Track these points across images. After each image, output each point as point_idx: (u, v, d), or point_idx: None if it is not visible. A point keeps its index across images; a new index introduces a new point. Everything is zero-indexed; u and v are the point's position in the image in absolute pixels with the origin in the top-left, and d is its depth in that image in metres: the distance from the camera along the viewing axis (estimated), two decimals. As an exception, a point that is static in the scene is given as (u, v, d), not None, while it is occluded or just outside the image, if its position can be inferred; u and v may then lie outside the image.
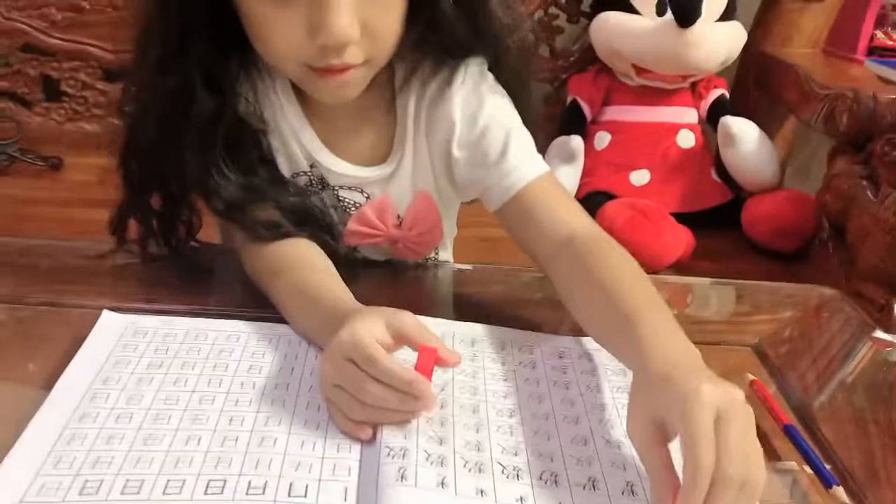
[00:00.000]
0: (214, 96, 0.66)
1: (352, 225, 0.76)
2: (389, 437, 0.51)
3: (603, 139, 1.50)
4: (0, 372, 0.60)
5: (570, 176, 1.44)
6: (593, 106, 1.51)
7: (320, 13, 0.59)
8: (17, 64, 1.56)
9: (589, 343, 0.66)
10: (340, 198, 0.76)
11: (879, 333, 0.74)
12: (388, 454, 0.49)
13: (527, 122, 0.73)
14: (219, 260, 0.76)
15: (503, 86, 0.73)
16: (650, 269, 1.23)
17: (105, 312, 0.64)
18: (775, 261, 1.35)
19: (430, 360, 0.52)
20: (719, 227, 1.40)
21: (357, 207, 0.76)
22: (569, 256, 0.65)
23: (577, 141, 1.44)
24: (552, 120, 1.57)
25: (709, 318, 0.78)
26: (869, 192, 1.18)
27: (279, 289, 0.66)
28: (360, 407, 0.51)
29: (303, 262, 0.68)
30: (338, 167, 0.74)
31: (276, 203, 0.70)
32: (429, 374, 0.51)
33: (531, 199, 0.69)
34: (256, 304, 0.67)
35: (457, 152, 0.72)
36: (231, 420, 0.53)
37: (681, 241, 1.28)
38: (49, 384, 0.56)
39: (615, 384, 0.61)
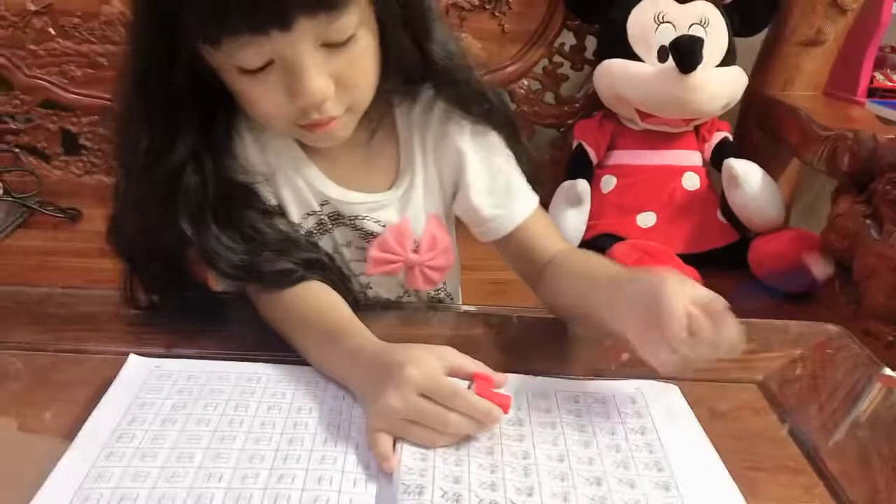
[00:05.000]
0: (200, 168, 0.69)
1: (373, 252, 0.79)
2: (406, 474, 0.52)
3: (609, 182, 1.52)
4: (22, 418, 0.62)
5: (577, 219, 1.46)
6: (599, 150, 1.53)
7: (294, 79, 0.64)
8: (38, 119, 1.60)
9: (604, 386, 0.67)
10: (357, 227, 0.79)
11: (886, 371, 0.75)
12: (405, 490, 0.51)
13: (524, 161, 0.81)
14: (233, 305, 0.77)
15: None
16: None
17: (131, 356, 0.67)
18: (783, 300, 1.36)
19: (488, 384, 0.58)
20: (726, 268, 1.41)
21: (374, 236, 0.79)
22: (552, 266, 0.76)
23: (583, 185, 1.47)
24: (558, 164, 1.60)
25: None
26: (873, 231, 1.19)
27: (298, 330, 0.68)
28: (440, 437, 0.56)
29: (319, 303, 0.70)
30: (349, 197, 0.77)
31: (285, 256, 0.72)
32: (494, 397, 0.57)
33: (526, 233, 0.79)
34: (274, 347, 0.69)
35: (472, 179, 0.78)
36: (251, 458, 0.55)
37: (688, 281, 1.29)
38: (70, 429, 0.57)
39: (630, 426, 0.62)
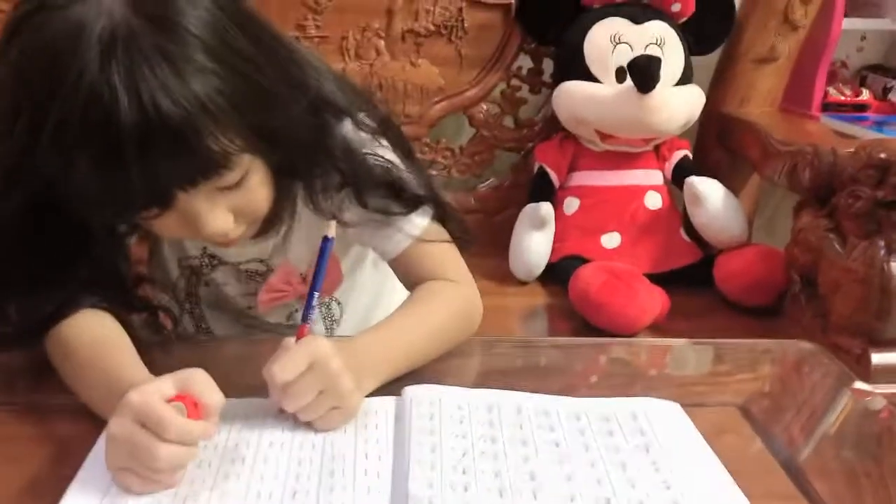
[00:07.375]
0: None
1: (262, 295, 0.82)
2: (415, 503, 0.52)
3: (572, 204, 1.51)
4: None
5: (541, 242, 1.45)
6: (560, 172, 1.53)
7: (195, 220, 0.65)
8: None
9: (605, 403, 0.66)
10: (241, 270, 0.83)
11: (859, 384, 0.74)
12: None
13: None
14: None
15: None
16: (627, 331, 1.24)
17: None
18: (750, 316, 1.36)
19: (196, 407, 0.55)
20: (693, 286, 1.41)
21: (259, 274, 0.83)
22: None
23: (546, 207, 1.46)
24: (520, 188, 1.59)
25: (691, 380, 0.78)
26: (836, 245, 1.19)
27: (73, 367, 0.66)
28: (156, 477, 0.53)
29: (98, 337, 0.68)
30: (230, 251, 0.79)
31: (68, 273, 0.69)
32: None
33: (412, 258, 0.79)
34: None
35: (348, 217, 0.76)
36: (259, 493, 0.55)
37: (656, 301, 1.28)
38: (22, 484, 0.54)
39: (634, 443, 0.61)
